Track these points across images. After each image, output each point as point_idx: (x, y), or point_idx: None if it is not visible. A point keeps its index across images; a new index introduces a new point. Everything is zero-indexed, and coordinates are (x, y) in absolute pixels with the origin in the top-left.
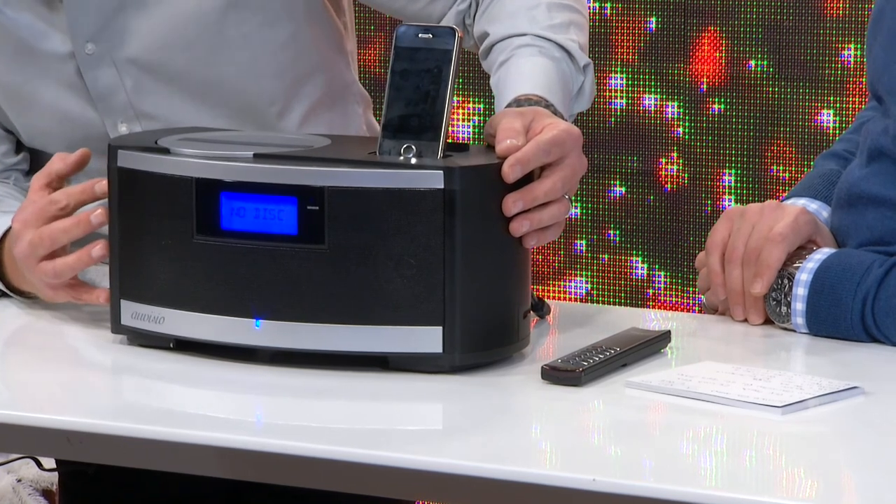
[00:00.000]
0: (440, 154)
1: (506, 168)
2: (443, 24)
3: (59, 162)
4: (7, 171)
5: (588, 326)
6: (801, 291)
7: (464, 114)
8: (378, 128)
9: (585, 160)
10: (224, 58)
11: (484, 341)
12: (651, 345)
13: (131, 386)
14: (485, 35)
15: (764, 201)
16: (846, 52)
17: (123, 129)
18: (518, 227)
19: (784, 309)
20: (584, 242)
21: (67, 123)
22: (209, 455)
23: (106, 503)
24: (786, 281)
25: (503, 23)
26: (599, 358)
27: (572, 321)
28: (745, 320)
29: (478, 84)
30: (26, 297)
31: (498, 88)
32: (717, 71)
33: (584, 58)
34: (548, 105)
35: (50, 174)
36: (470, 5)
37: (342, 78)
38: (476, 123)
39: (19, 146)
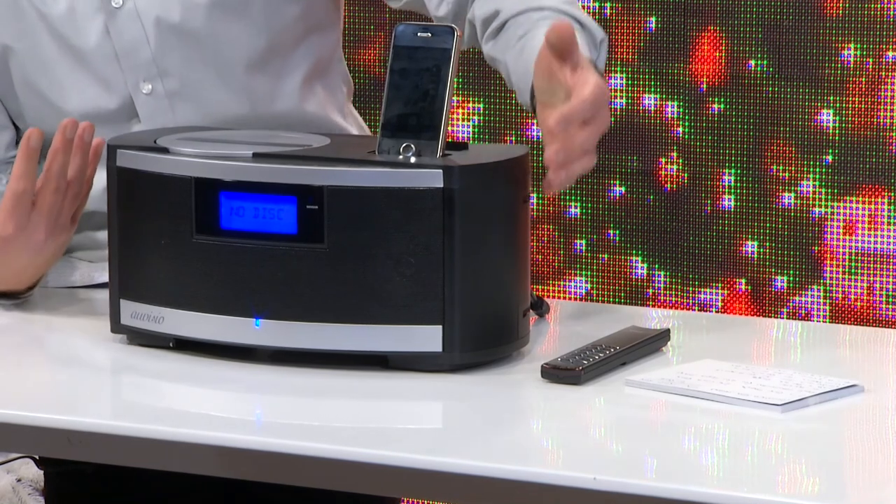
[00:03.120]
0: (439, 153)
1: (552, 176)
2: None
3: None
4: (5, 164)
5: (588, 325)
6: None
7: (463, 113)
8: (357, 115)
9: (609, 116)
10: (242, 20)
11: (484, 340)
12: (651, 343)
13: (131, 385)
14: (495, 14)
15: (763, 202)
16: (846, 52)
17: (146, 88)
18: (556, 179)
19: None
20: (584, 242)
21: (89, 91)
22: (209, 454)
23: (93, 502)
24: None
25: (515, 2)
26: (599, 356)
27: (572, 320)
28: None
29: (478, 83)
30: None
31: (523, 58)
32: (717, 71)
33: (600, 32)
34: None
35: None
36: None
37: (335, 48)
38: (476, 123)
39: (19, 140)
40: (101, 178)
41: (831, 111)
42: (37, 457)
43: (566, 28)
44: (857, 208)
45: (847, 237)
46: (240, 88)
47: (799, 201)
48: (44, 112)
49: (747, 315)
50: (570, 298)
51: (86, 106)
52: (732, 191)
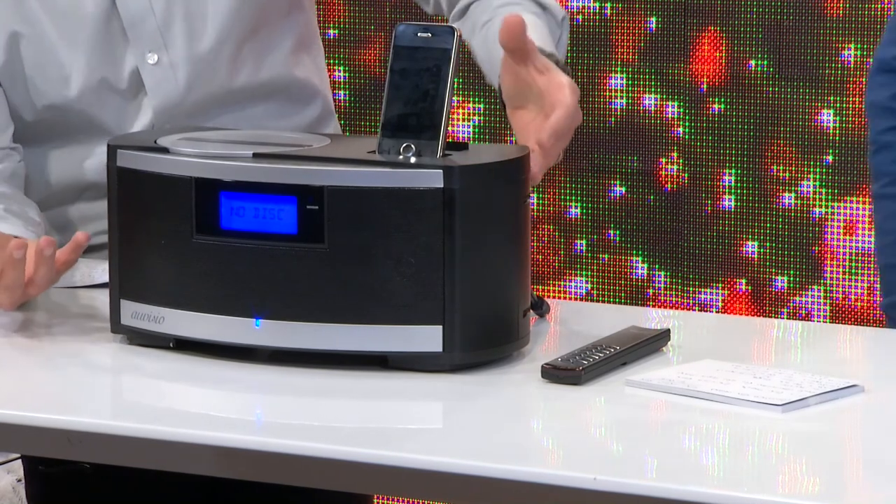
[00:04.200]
0: (440, 153)
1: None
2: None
3: (63, 254)
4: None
5: (588, 325)
6: None
7: (463, 113)
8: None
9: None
10: None
11: (484, 340)
12: (651, 343)
13: (131, 385)
14: None
15: (764, 202)
16: (846, 52)
17: (152, 59)
18: (533, 183)
19: None
20: (584, 242)
21: (97, 67)
22: (209, 454)
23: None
24: None
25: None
26: (599, 356)
27: (572, 320)
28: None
29: (478, 84)
30: None
31: (487, 48)
32: (717, 71)
33: (561, 11)
34: (550, 55)
35: (53, 258)
36: None
37: (313, 24)
38: (476, 123)
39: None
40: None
41: (831, 111)
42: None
43: (516, 25)
44: (857, 208)
45: (847, 237)
46: (238, 56)
47: (799, 201)
48: (52, 94)
49: (747, 315)
50: (570, 298)
51: (93, 81)
52: (733, 191)
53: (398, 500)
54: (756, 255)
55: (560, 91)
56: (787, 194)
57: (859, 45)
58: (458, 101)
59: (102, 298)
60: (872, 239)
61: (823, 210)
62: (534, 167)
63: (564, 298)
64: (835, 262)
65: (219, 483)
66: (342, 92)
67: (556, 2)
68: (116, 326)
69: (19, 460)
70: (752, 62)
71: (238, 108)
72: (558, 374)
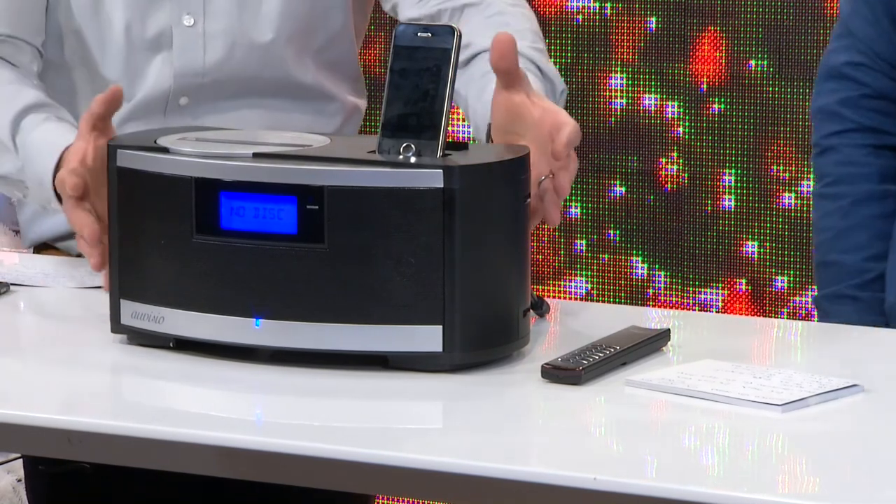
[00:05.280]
0: (439, 153)
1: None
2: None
3: (96, 105)
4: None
5: (588, 325)
6: None
7: (463, 113)
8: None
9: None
10: None
11: (484, 340)
12: (651, 343)
13: (131, 385)
14: (465, 45)
15: (764, 202)
16: None
17: (188, 21)
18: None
19: None
20: (584, 242)
21: (136, 18)
22: (209, 454)
23: (93, 502)
24: None
25: (486, 35)
26: (599, 356)
27: (572, 320)
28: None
29: None
30: None
31: (484, 98)
32: (717, 71)
33: (561, 83)
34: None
35: (93, 116)
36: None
37: (355, 49)
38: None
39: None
40: None
41: None
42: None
43: (507, 43)
44: None
45: None
46: (273, 55)
47: (799, 201)
48: (90, 39)
49: (747, 315)
50: (570, 298)
51: (127, 24)
52: (733, 191)
53: (398, 500)
54: (756, 255)
55: (559, 114)
56: (787, 194)
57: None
58: None
59: (102, 298)
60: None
61: None
62: (563, 182)
63: (564, 298)
64: None
65: (219, 483)
66: None
67: (557, 72)
68: (116, 326)
69: (19, 460)
70: (752, 62)
71: (256, 100)
72: (558, 373)
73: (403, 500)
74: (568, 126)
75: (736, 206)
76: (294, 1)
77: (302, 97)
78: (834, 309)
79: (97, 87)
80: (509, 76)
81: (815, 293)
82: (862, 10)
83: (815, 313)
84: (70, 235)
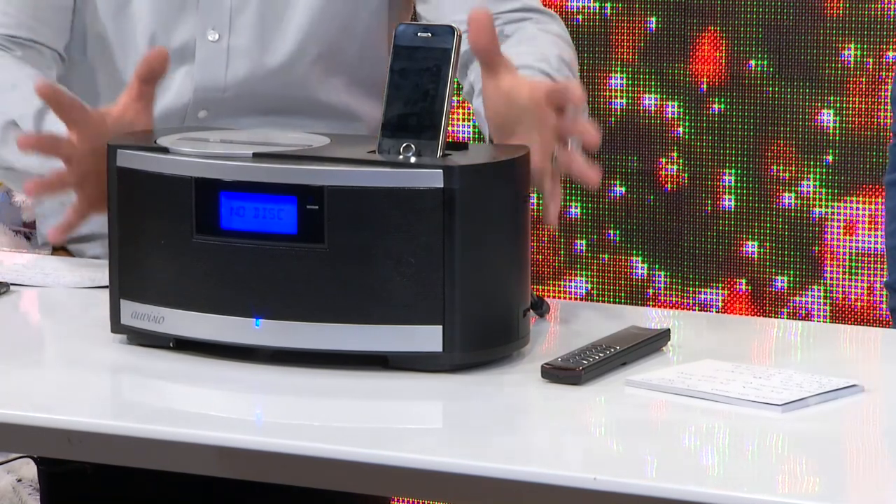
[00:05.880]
0: (440, 153)
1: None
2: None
3: (139, 67)
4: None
5: (588, 325)
6: None
7: (463, 113)
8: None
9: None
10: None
11: (484, 340)
12: (651, 343)
13: (131, 385)
14: None
15: (764, 202)
16: (846, 52)
17: (213, 36)
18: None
19: None
20: (584, 242)
21: (161, 25)
22: (209, 454)
23: (93, 502)
24: None
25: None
26: (599, 356)
27: (572, 320)
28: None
29: None
30: None
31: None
32: (717, 71)
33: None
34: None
35: (137, 78)
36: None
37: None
38: (476, 123)
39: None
40: None
41: (831, 111)
42: (35, 456)
43: (484, 19)
44: (857, 208)
45: (847, 237)
46: (297, 76)
47: (799, 201)
48: (113, 43)
49: (747, 315)
50: (570, 298)
51: (151, 34)
52: (732, 191)
53: (398, 500)
54: (756, 255)
55: (548, 82)
56: (787, 194)
57: (859, 45)
58: (458, 101)
59: (103, 298)
60: (872, 237)
61: (823, 210)
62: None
63: (564, 298)
64: (835, 262)
65: (219, 483)
66: None
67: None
68: (116, 326)
69: (19, 460)
70: (752, 62)
71: (277, 118)
72: (558, 374)
73: (403, 500)
74: (566, 90)
75: (736, 206)
76: (324, 21)
77: (326, 116)
78: None
79: (119, 91)
80: (489, 54)
81: (888, 278)
82: None
83: (886, 297)
84: (83, 238)
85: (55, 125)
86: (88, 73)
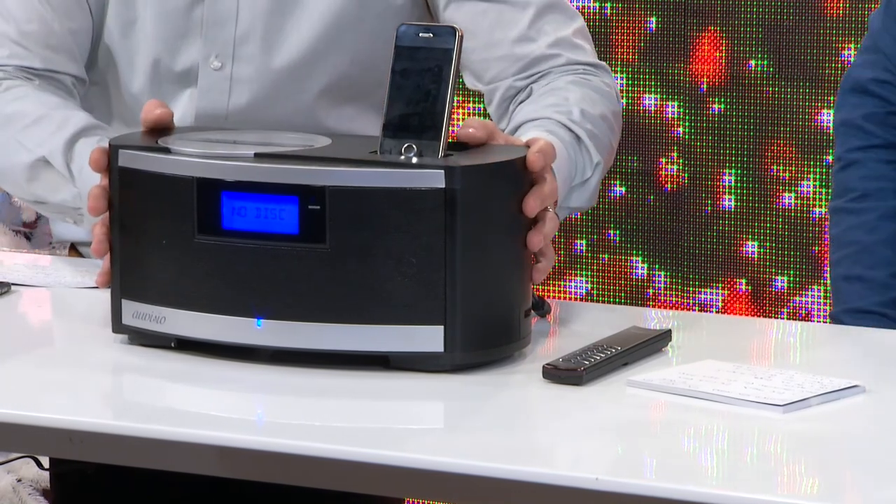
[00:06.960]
0: (441, 153)
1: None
2: (495, 92)
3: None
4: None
5: (589, 325)
6: None
7: (464, 114)
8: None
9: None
10: (339, 45)
11: (485, 340)
12: (652, 343)
13: (133, 385)
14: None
15: (764, 202)
16: (846, 52)
17: (215, 64)
18: (537, 242)
19: None
20: (584, 242)
21: (164, 49)
22: (210, 454)
23: (94, 502)
24: None
25: (526, 111)
26: (600, 357)
27: (573, 320)
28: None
29: None
30: None
31: None
32: (717, 71)
33: (597, 154)
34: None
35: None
36: (521, 91)
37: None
38: None
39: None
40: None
41: (831, 111)
42: (38, 458)
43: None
44: None
45: None
46: (302, 105)
47: (799, 201)
48: (120, 61)
49: (747, 315)
50: (570, 298)
51: (156, 55)
52: (733, 191)
53: (410, 502)
54: (756, 255)
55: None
56: (787, 194)
57: (859, 45)
58: (459, 102)
59: (103, 298)
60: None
61: (823, 210)
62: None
63: (565, 298)
64: None
65: (220, 483)
66: None
67: (596, 143)
68: (118, 326)
69: (20, 460)
70: (752, 62)
71: None
72: (559, 374)
73: (420, 502)
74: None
75: (736, 206)
76: (330, 53)
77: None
78: (857, 325)
79: (129, 107)
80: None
81: (833, 308)
82: (892, 28)
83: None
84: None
85: (83, 158)
86: (103, 91)
